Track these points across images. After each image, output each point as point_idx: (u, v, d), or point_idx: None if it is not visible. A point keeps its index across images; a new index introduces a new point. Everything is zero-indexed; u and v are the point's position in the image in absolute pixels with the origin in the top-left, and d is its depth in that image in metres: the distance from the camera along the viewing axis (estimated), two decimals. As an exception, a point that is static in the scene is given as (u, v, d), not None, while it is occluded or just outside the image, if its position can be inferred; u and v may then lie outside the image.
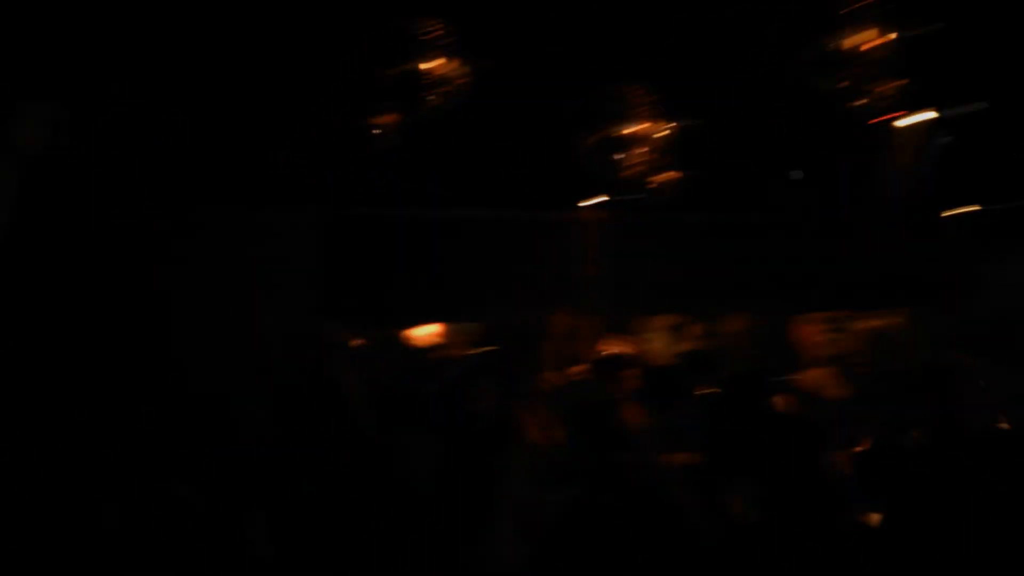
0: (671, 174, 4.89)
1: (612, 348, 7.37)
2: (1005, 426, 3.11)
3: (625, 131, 4.00)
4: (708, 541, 2.47)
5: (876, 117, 3.94)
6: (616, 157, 4.09)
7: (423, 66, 3.32)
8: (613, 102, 4.05)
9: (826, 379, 5.88)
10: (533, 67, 4.26)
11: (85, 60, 3.49)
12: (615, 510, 3.04)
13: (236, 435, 3.17)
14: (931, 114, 4.93)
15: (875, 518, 2.44)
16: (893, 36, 3.12)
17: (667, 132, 4.05)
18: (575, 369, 6.19)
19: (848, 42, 3.11)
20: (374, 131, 4.18)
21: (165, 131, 4.44)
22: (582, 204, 6.13)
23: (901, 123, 4.73)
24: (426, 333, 7.68)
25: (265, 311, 5.23)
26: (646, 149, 4.06)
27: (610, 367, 5.65)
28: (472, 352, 7.27)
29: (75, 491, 2.04)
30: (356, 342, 5.06)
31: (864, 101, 3.48)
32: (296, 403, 3.85)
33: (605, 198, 5.97)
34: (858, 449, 3.07)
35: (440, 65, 3.34)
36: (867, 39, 3.15)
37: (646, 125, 4.02)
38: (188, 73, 4.10)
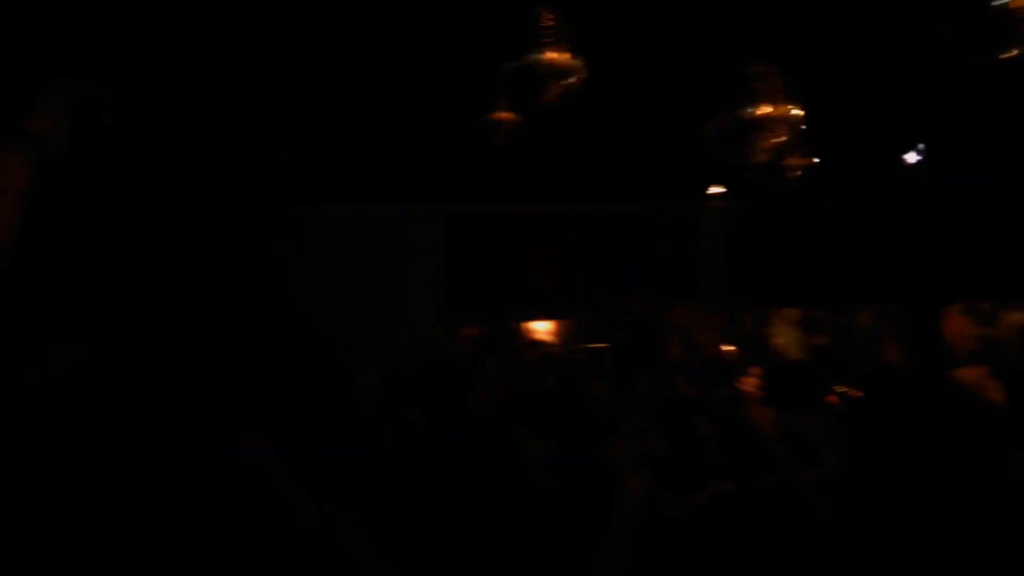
0: (801, 160, 4.62)
1: (728, 347, 7.13)
2: None
3: (753, 115, 3.78)
4: (846, 549, 2.31)
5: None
6: (743, 143, 3.87)
7: (541, 58, 3.24)
8: (740, 85, 3.83)
9: (982, 377, 5.41)
10: (652, 55, 4.11)
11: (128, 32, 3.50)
12: (743, 515, 2.90)
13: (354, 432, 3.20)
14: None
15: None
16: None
17: (798, 116, 3.80)
18: (694, 366, 6.00)
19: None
20: (492, 127, 4.16)
21: (276, 124, 4.56)
22: (707, 194, 5.94)
23: None
24: (543, 329, 7.68)
25: (390, 306, 5.36)
26: (775, 134, 3.82)
27: (727, 366, 5.44)
28: (588, 348, 7.21)
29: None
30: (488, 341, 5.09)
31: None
32: (415, 398, 3.88)
33: (729, 187, 5.75)
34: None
35: (558, 57, 3.25)
36: None
37: (775, 108, 3.79)
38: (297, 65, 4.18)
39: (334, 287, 5.35)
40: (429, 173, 5.16)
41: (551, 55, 3.19)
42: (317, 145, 4.76)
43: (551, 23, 3.27)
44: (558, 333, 7.67)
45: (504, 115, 4.18)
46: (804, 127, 3.89)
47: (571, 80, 3.18)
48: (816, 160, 4.67)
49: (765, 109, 3.84)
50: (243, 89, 4.17)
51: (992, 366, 5.79)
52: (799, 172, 4.68)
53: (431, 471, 2.68)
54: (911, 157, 5.43)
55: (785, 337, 7.36)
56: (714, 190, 5.91)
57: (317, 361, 3.33)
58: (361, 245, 5.50)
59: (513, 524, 2.35)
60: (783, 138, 3.89)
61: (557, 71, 3.21)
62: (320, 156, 4.82)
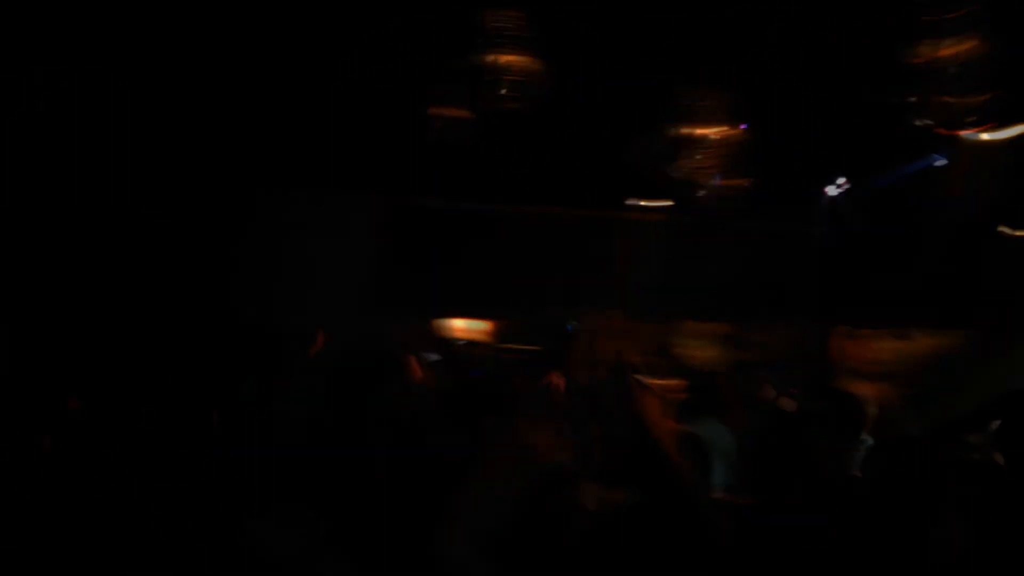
0: (732, 179, 4.86)
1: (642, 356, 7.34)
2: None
3: (690, 133, 3.98)
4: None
5: (955, 129, 3.88)
6: (678, 159, 4.07)
7: (498, 60, 3.33)
8: (680, 103, 4.03)
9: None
10: (601, 65, 4.25)
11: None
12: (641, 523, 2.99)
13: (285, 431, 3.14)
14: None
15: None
16: (976, 47, 3.08)
17: (731, 136, 4.02)
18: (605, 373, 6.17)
19: (932, 52, 3.09)
20: (441, 122, 4.21)
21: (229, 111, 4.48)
22: (639, 205, 6.14)
23: (985, 137, 4.66)
24: (467, 327, 7.72)
25: (322, 299, 5.28)
26: (709, 152, 4.04)
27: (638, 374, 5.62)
28: (510, 348, 7.30)
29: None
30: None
31: (940, 114, 3.45)
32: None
33: (664, 201, 5.97)
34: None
35: (515, 60, 3.35)
36: (949, 49, 3.12)
37: (711, 128, 4.00)
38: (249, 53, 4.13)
39: (266, 274, 5.24)
40: (371, 162, 5.14)
41: (512, 56, 3.28)
42: (259, 128, 4.68)
43: (512, 25, 3.36)
44: (483, 332, 7.74)
45: (457, 112, 4.23)
46: (738, 148, 4.14)
47: (532, 83, 3.28)
48: (745, 181, 4.92)
49: (701, 128, 4.07)
50: (187, 67, 4.06)
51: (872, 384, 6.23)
52: (729, 190, 4.93)
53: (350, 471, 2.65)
54: (832, 191, 5.83)
55: (697, 350, 7.68)
56: (647, 202, 6.13)
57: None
58: (293, 233, 5.40)
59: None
60: (716, 157, 4.13)
61: (518, 73, 3.30)
62: (262, 139, 4.73)
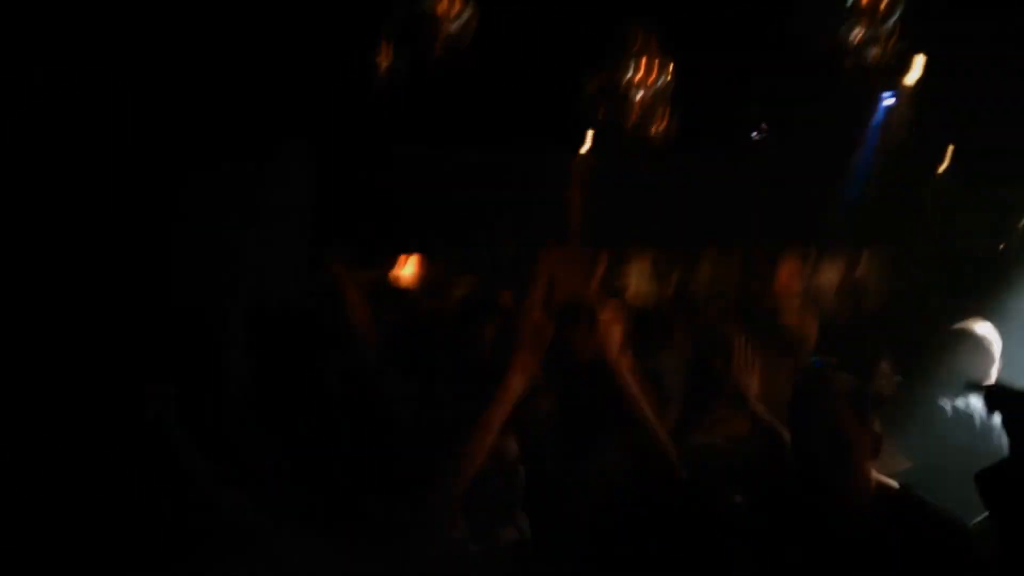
0: (663, 118, 4.90)
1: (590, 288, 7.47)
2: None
3: (628, 74, 3.98)
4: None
5: (874, 72, 3.99)
6: (612, 100, 4.08)
7: (429, 5, 3.26)
8: (613, 44, 4.02)
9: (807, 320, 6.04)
10: (536, 8, 4.19)
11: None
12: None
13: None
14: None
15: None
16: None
17: (663, 77, 4.04)
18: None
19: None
20: (376, 69, 4.13)
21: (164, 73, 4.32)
22: (575, 146, 6.17)
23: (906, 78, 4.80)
24: (412, 269, 7.73)
25: (260, 245, 5.23)
26: (642, 93, 4.06)
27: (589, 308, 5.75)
28: (460, 289, 7.35)
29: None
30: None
31: (867, 56, 3.53)
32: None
33: (596, 141, 6.00)
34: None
35: (446, 5, 3.28)
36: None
37: (644, 69, 4.01)
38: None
39: (200, 219, 5.14)
40: (306, 106, 5.04)
41: (444, 3, 3.22)
42: (192, 70, 4.52)
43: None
44: (426, 273, 7.75)
45: (387, 56, 4.15)
46: (672, 88, 4.17)
47: (462, 28, 3.23)
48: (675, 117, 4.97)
49: (640, 70, 4.07)
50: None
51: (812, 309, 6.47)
52: (665, 130, 4.98)
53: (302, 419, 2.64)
54: (755, 134, 5.95)
55: (641, 281, 7.83)
56: (584, 142, 6.17)
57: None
58: (229, 175, 5.29)
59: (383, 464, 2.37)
60: (654, 97, 4.15)
61: (448, 18, 3.24)
62: (194, 82, 4.58)
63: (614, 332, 2.10)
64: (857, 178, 6.82)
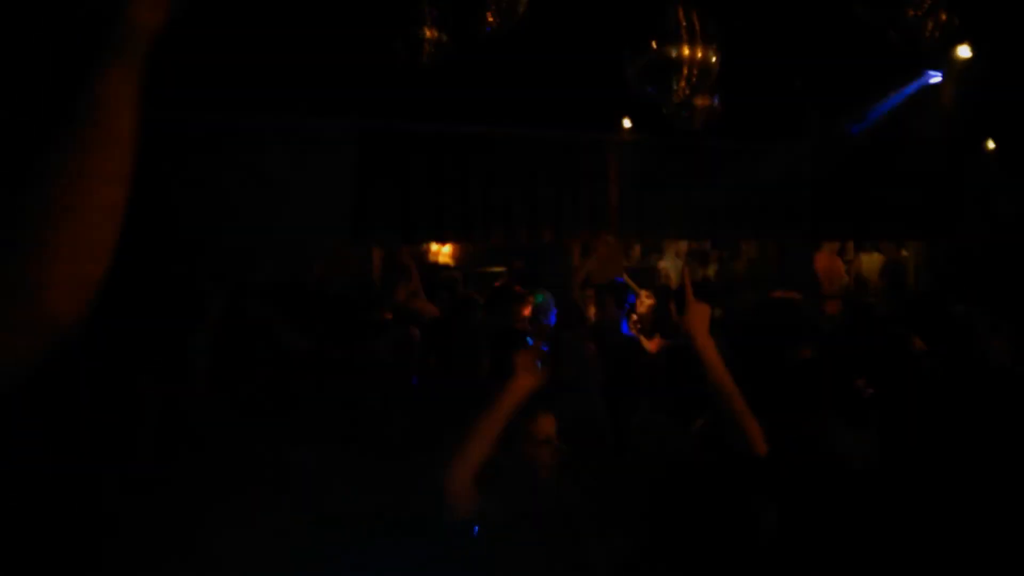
0: (708, 100, 4.89)
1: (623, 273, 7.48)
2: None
3: (674, 54, 3.97)
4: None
5: (924, 48, 3.94)
6: (663, 80, 4.07)
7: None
8: (662, 22, 4.00)
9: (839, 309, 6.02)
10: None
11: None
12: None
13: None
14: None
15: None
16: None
17: (711, 57, 4.02)
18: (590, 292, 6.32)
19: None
20: (420, 47, 4.15)
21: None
22: (617, 126, 6.16)
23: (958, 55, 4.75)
24: (447, 250, 7.80)
25: (298, 222, 5.29)
26: (691, 72, 4.04)
27: (624, 290, 5.77)
28: (495, 271, 7.39)
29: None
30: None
31: (919, 30, 3.49)
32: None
33: (640, 122, 5.99)
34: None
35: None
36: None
37: (694, 49, 3.99)
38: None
39: (241, 201, 5.21)
40: (346, 87, 5.08)
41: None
42: (230, 52, 4.58)
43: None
44: (464, 256, 7.81)
45: (431, 34, 4.18)
46: (717, 70, 4.14)
47: (514, 6, 3.25)
48: (721, 100, 4.97)
49: (685, 50, 4.05)
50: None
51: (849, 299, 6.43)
52: (706, 112, 4.97)
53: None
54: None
55: (672, 267, 7.85)
56: (624, 123, 6.15)
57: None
58: (271, 159, 5.36)
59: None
60: (700, 78, 4.13)
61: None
62: (234, 64, 4.64)
63: (702, 315, 2.12)
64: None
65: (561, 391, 2.58)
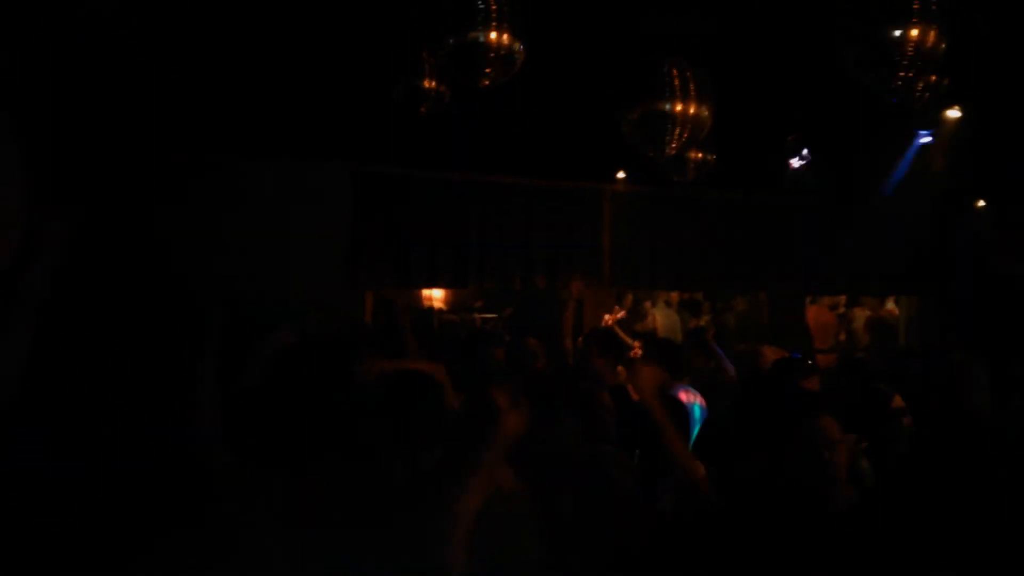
0: (703, 154, 4.96)
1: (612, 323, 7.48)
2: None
3: (669, 109, 4.03)
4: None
5: (916, 108, 4.03)
6: (658, 134, 4.13)
7: (480, 37, 3.33)
8: (656, 79, 4.07)
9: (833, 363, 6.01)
10: (580, 40, 4.27)
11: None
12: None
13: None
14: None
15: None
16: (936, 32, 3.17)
17: (707, 114, 4.09)
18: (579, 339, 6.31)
19: (899, 35, 3.16)
20: (419, 97, 4.21)
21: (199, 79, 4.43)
22: (611, 177, 6.22)
23: (946, 114, 4.84)
24: (439, 295, 7.80)
25: (292, 265, 5.28)
26: (684, 127, 4.10)
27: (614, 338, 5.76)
28: (482, 316, 7.38)
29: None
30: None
31: (911, 92, 3.56)
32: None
33: (634, 173, 6.05)
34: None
35: (501, 38, 3.35)
36: (917, 32, 3.20)
37: (685, 104, 4.06)
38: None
39: (235, 244, 5.21)
40: (343, 130, 5.13)
41: (494, 35, 3.29)
42: (228, 94, 4.63)
43: (493, 3, 3.36)
44: (456, 301, 7.81)
45: (431, 84, 4.24)
46: (709, 125, 4.21)
47: (511, 62, 3.30)
48: (713, 156, 5.04)
49: (679, 105, 4.12)
50: (153, 33, 3.99)
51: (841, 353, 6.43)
52: (699, 165, 5.04)
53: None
54: (796, 161, 5.98)
55: (664, 317, 7.85)
56: (621, 174, 6.21)
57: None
58: (266, 201, 5.38)
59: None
60: (693, 133, 4.19)
61: (499, 52, 3.31)
62: (230, 106, 4.69)
63: (649, 375, 2.14)
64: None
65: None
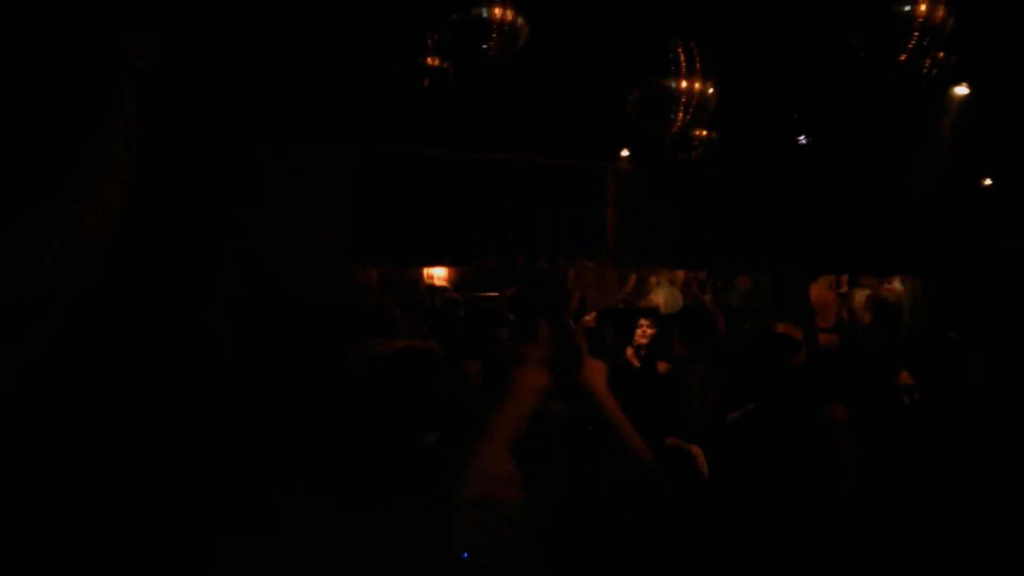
0: (706, 132, 4.93)
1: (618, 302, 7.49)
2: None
3: (674, 87, 4.00)
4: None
5: (923, 87, 3.99)
6: (662, 113, 4.10)
7: (487, 13, 3.30)
8: (660, 57, 4.04)
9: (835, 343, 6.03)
10: (584, 19, 4.23)
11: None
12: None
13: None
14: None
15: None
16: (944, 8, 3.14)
17: (713, 92, 4.06)
18: (587, 318, 6.32)
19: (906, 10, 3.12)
20: (421, 75, 4.18)
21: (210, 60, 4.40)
22: (615, 156, 6.19)
23: (955, 92, 4.80)
24: (442, 274, 7.79)
25: (295, 248, 5.27)
26: (691, 107, 4.07)
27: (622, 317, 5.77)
28: (489, 296, 7.39)
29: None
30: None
31: (917, 70, 3.53)
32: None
33: (638, 152, 6.02)
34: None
35: (504, 14, 3.32)
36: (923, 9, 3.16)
37: (694, 83, 4.03)
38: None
39: (237, 223, 5.20)
40: (345, 110, 5.10)
41: (497, 10, 3.26)
42: (226, 73, 4.60)
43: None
44: (461, 280, 7.81)
45: (432, 62, 4.21)
46: (714, 103, 4.18)
47: (514, 38, 3.27)
48: (719, 133, 5.01)
49: (684, 83, 4.09)
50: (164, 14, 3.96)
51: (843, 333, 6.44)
52: (703, 144, 5.00)
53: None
54: (801, 139, 5.95)
55: (665, 296, 7.85)
56: (622, 153, 6.18)
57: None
58: (268, 180, 5.36)
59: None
60: (698, 111, 4.16)
61: (502, 28, 3.28)
62: (230, 85, 4.66)
63: (597, 371, 2.14)
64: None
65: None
